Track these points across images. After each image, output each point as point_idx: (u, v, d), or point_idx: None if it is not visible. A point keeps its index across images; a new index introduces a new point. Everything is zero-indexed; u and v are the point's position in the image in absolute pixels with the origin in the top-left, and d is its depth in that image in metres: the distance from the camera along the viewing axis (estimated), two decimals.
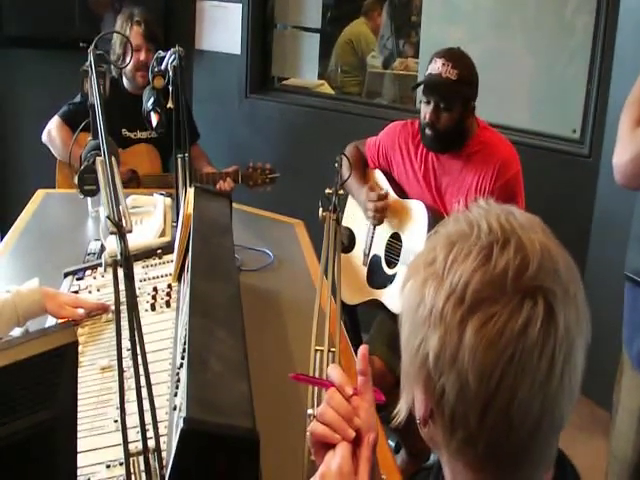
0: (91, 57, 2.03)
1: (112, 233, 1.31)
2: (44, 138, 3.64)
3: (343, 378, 1.18)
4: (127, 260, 1.29)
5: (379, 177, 3.14)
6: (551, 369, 0.94)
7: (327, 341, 1.75)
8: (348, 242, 2.86)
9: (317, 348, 1.75)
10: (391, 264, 2.99)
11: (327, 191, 2.12)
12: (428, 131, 2.85)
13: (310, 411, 1.19)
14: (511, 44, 4.31)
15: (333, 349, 1.76)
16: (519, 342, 0.92)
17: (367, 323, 3.13)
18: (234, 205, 2.48)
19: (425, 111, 2.83)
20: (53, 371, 0.96)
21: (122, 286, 1.24)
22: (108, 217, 1.33)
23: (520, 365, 0.92)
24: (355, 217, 3.13)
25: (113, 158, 1.58)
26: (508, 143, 2.91)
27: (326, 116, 4.57)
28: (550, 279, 0.96)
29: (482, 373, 0.92)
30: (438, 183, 2.94)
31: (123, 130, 3.68)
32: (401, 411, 1.07)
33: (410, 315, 1.00)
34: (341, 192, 2.09)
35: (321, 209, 2.08)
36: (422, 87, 2.85)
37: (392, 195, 3.02)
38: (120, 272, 1.27)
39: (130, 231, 1.35)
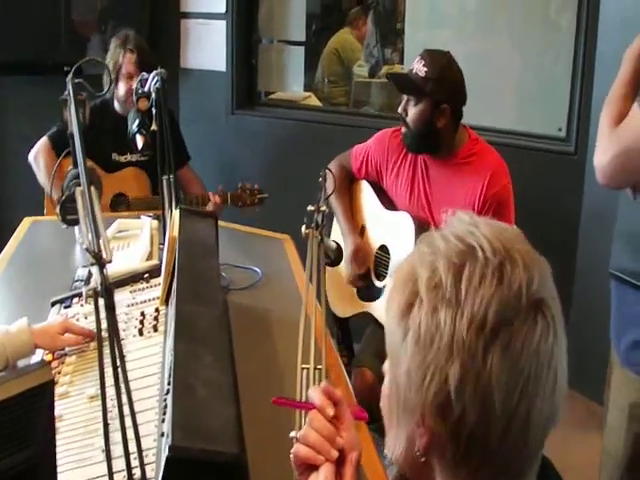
0: (70, 86, 2.03)
1: (92, 264, 1.33)
2: (30, 158, 3.66)
3: (324, 399, 1.19)
4: (107, 292, 1.30)
5: (366, 189, 3.16)
6: (555, 378, 0.97)
7: (313, 359, 1.76)
8: (335, 256, 2.87)
9: (304, 366, 1.76)
10: (380, 277, 3.00)
11: (310, 208, 2.11)
12: (403, 128, 2.93)
13: (293, 433, 1.19)
14: (497, 46, 4.33)
15: (320, 366, 1.77)
16: (535, 357, 0.94)
17: (360, 333, 3.14)
18: (221, 223, 2.49)
19: None
20: (30, 411, 0.97)
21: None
22: (87, 249, 1.34)
23: (536, 380, 0.94)
24: None
25: (93, 188, 1.60)
26: (498, 155, 2.93)
27: (313, 128, 4.59)
28: (547, 289, 0.98)
29: (506, 393, 0.93)
30: (427, 192, 2.96)
31: (113, 154, 3.69)
32: (397, 447, 1.06)
33: (420, 346, 0.97)
34: (324, 209, 2.07)
35: (304, 226, 2.07)
36: None
37: (379, 207, 3.05)
38: (101, 302, 1.28)
39: (110, 261, 1.36)
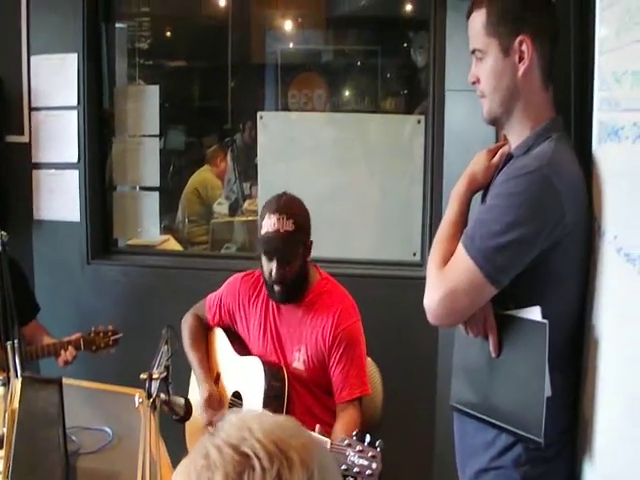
0: None
1: None
2: None
3: None
4: None
5: (219, 337, 3.20)
6: None
7: None
8: (184, 411, 2.84)
9: None
10: None
11: (142, 376, 1.98)
12: (277, 287, 2.92)
13: None
14: (353, 175, 4.45)
15: None
16: None
17: None
18: (72, 381, 2.45)
19: (270, 267, 2.89)
20: None
21: None
22: None
23: None
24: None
25: None
26: (347, 294, 3.02)
27: (171, 274, 4.56)
28: (327, 475, 0.97)
29: None
30: (278, 333, 3.02)
31: None
32: None
33: None
34: (156, 376, 1.98)
35: (137, 395, 1.97)
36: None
37: (232, 354, 3.07)
38: None
39: None
